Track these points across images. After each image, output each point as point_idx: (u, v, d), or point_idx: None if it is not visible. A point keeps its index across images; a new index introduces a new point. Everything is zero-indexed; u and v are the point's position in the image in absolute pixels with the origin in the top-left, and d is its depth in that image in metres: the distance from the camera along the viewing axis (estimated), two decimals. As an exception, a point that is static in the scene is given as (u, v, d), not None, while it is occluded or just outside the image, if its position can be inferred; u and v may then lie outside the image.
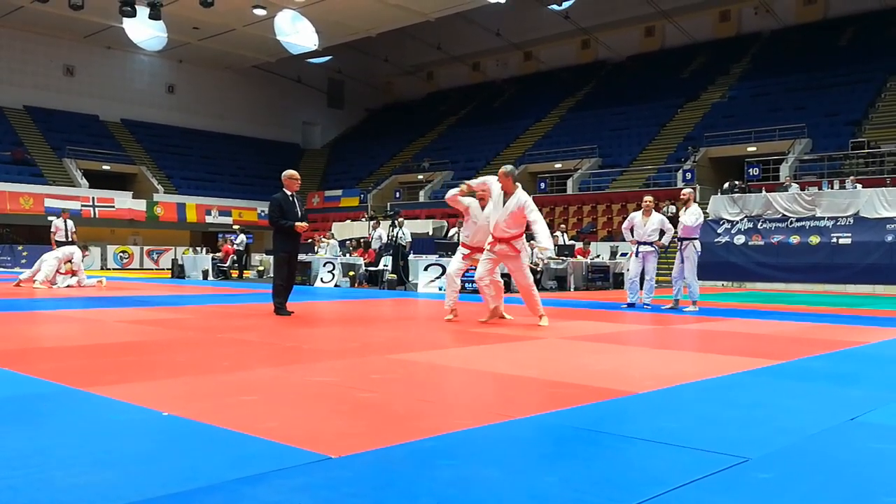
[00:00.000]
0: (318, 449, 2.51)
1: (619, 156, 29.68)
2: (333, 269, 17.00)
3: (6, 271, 22.50)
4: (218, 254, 20.26)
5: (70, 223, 15.61)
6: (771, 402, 3.54)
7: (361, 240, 19.88)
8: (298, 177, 8.37)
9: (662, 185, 25.28)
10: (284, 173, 8.34)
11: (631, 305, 10.01)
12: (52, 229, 15.47)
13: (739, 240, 17.29)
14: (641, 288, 10.11)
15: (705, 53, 35.39)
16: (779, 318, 8.69)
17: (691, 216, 9.70)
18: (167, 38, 33.47)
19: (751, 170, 23.35)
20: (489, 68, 43.19)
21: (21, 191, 28.28)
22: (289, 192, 8.24)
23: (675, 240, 10.00)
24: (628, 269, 10.41)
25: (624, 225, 10.41)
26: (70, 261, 13.69)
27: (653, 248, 10.00)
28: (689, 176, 24.80)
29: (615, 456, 2.56)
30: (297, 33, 33.11)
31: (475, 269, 7.55)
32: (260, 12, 30.80)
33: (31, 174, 30.47)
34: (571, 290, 15.55)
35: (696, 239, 9.74)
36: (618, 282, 16.58)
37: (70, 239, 15.31)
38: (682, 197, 10.03)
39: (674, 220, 10.81)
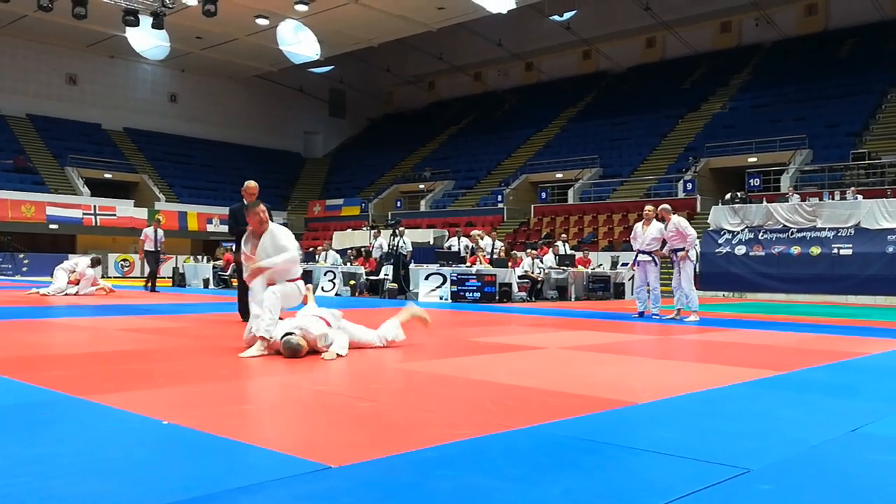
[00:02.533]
0: (318, 458, 2.50)
1: (620, 166, 29.72)
2: (334, 277, 17.00)
3: (7, 279, 22.51)
4: (219, 262, 20.27)
5: (160, 233, 15.25)
6: (772, 413, 3.54)
7: (362, 249, 19.87)
8: (253, 188, 8.43)
9: (663, 195, 25.26)
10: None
11: (641, 315, 10.00)
12: (142, 237, 15.19)
13: (740, 250, 17.27)
14: (649, 296, 10.11)
15: (706, 64, 35.47)
16: (780, 328, 8.68)
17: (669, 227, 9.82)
18: (170, 47, 33.59)
19: (751, 180, 23.36)
20: (490, 78, 43.31)
21: (23, 199, 28.29)
22: (246, 203, 8.34)
23: (669, 250, 10.02)
24: (631, 280, 10.42)
25: (632, 235, 10.47)
26: (75, 270, 13.74)
27: (651, 258, 9.99)
28: (689, 186, 24.82)
29: (616, 466, 2.56)
30: (299, 43, 33.21)
31: None
32: (262, 22, 30.92)
33: (32, 182, 30.49)
34: (572, 299, 15.54)
35: (682, 249, 9.72)
36: (618, 291, 16.57)
37: (158, 248, 15.09)
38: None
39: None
